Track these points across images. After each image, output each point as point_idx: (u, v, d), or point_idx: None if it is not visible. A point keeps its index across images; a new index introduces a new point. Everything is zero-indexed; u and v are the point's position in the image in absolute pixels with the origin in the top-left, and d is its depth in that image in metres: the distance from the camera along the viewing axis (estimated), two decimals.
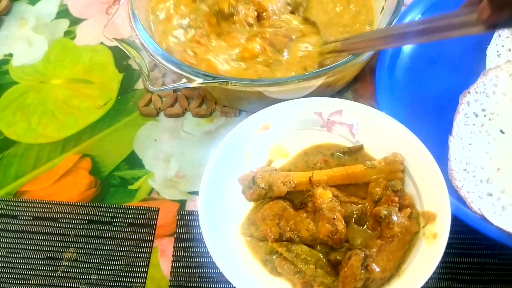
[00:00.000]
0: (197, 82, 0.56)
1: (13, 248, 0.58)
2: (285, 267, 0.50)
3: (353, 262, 0.47)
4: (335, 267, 0.49)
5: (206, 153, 0.62)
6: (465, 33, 0.50)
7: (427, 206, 0.51)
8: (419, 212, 0.51)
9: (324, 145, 0.58)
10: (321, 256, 0.49)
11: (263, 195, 0.53)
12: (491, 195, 0.55)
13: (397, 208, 0.50)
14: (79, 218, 0.60)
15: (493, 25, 0.48)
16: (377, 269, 0.47)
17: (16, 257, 0.58)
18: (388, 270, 0.48)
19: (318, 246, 0.51)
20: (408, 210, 0.51)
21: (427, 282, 0.45)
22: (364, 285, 0.48)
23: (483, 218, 0.53)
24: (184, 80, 0.57)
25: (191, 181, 0.62)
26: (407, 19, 0.65)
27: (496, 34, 0.66)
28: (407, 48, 0.66)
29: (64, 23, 0.79)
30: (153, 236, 0.59)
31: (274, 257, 0.51)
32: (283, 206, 0.52)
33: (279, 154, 0.58)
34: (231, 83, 0.56)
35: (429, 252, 0.48)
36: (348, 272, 0.47)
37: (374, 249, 0.48)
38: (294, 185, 0.54)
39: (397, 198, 0.51)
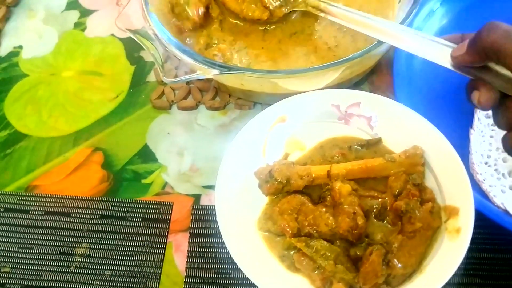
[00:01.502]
0: (212, 73, 0.55)
1: (25, 244, 0.58)
2: (304, 263, 0.48)
3: (374, 258, 0.46)
4: (355, 263, 0.48)
5: (220, 147, 0.62)
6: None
7: (449, 200, 0.49)
8: (440, 207, 0.50)
9: (341, 137, 0.57)
10: (341, 252, 0.48)
11: (280, 189, 0.52)
12: None
13: (418, 203, 0.49)
14: (91, 213, 0.59)
15: (457, 66, 0.47)
16: (399, 265, 0.46)
17: (28, 253, 0.57)
18: (410, 266, 0.47)
19: (337, 242, 0.49)
20: (430, 204, 0.49)
21: None
22: (385, 281, 0.47)
23: (506, 212, 0.52)
24: (198, 71, 0.56)
25: (206, 175, 0.61)
26: (426, 9, 0.64)
27: None
28: None
29: (74, 15, 0.78)
30: (167, 231, 0.58)
31: (292, 253, 0.50)
32: (301, 200, 0.51)
33: (295, 147, 0.57)
34: (247, 74, 0.55)
35: (452, 247, 0.46)
36: (369, 268, 0.46)
37: (395, 245, 0.47)
38: (312, 179, 0.52)
39: (418, 192, 0.50)
